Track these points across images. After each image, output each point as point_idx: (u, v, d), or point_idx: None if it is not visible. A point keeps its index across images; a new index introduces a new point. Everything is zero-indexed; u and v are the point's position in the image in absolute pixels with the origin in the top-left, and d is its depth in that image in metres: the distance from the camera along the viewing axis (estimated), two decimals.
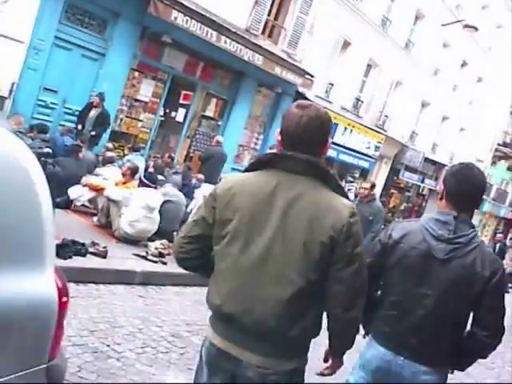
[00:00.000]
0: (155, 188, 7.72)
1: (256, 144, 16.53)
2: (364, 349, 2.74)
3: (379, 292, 2.75)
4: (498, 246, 18.14)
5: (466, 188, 2.61)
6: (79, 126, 10.22)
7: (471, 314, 2.61)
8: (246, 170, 2.21)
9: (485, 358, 2.71)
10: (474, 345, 2.60)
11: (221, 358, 2.12)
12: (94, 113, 10.39)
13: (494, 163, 32.30)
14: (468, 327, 2.64)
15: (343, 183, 20.17)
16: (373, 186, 8.53)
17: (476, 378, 6.90)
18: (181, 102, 13.67)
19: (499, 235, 24.77)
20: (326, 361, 2.33)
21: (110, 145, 11.05)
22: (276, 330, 2.01)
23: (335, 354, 2.27)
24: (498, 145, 31.76)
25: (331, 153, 18.02)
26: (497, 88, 29.22)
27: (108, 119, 10.68)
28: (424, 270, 2.55)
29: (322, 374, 2.30)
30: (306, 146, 2.06)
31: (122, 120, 12.40)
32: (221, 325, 2.14)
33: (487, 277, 2.49)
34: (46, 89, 10.62)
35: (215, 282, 2.17)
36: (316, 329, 2.11)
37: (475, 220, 32.52)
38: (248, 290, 2.05)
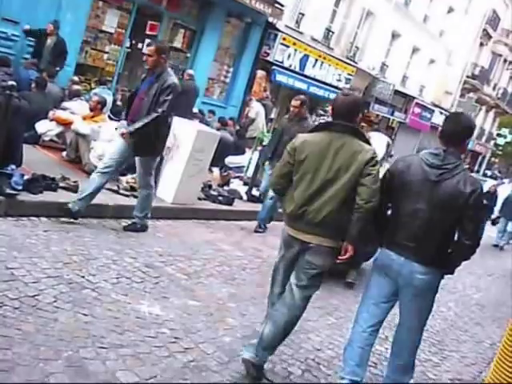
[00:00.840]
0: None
1: (226, 77, 16.29)
2: (377, 254, 3.77)
3: (389, 212, 3.70)
4: None
5: (451, 128, 3.52)
6: (35, 60, 9.86)
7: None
8: (311, 131, 3.70)
9: (468, 259, 3.55)
10: (458, 248, 3.48)
11: (291, 240, 3.69)
12: (49, 42, 9.98)
13: (462, 95, 32.52)
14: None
15: (314, 117, 20.14)
16: (303, 103, 7.48)
17: (440, 301, 7.26)
18: (147, 32, 13.26)
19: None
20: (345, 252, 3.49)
21: (76, 78, 10.76)
22: (326, 221, 3.45)
23: (349, 239, 3.46)
24: (467, 77, 31.88)
25: (302, 85, 17.94)
26: (467, 19, 29.04)
27: (65, 47, 10.23)
28: (420, 190, 3.44)
29: (339, 259, 3.51)
30: (346, 116, 3.55)
31: (87, 52, 12.04)
32: (292, 221, 3.64)
33: (468, 193, 3.31)
34: (5, 19, 10.17)
35: (291, 198, 3.60)
36: (347, 224, 3.43)
37: None
38: (312, 200, 3.49)
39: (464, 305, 7.62)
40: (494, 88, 37.16)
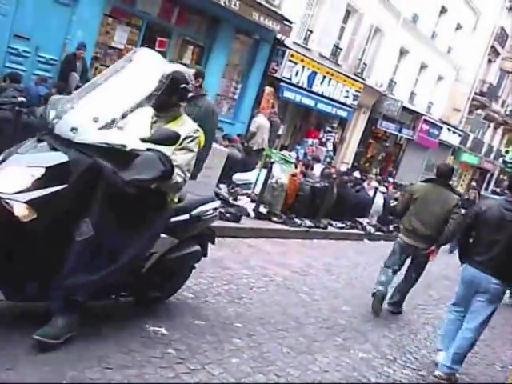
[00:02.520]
0: None
1: (234, 94, 16.35)
2: (462, 270, 5.28)
3: (471, 240, 5.21)
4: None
5: None
6: (45, 76, 9.97)
7: None
8: (423, 182, 6.87)
9: None
10: None
11: (407, 246, 6.42)
12: (78, 65, 10.12)
13: (470, 112, 32.48)
14: None
15: (322, 133, 20.18)
16: (198, 75, 5.43)
17: None
18: (157, 49, 13.31)
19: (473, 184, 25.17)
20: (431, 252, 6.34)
21: None
22: (431, 235, 6.21)
23: (437, 245, 6.27)
24: (475, 94, 31.85)
25: (309, 102, 17.98)
26: (475, 36, 29.10)
27: (87, 66, 10.45)
28: (499, 225, 4.85)
29: (428, 253, 6.37)
30: (446, 177, 6.45)
31: (97, 69, 12.10)
32: (407, 233, 6.36)
33: None
34: (16, 36, 10.28)
35: (408, 220, 6.35)
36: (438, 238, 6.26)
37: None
38: (423, 223, 6.24)
39: None
40: (502, 105, 37.10)
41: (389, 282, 6.50)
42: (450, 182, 6.05)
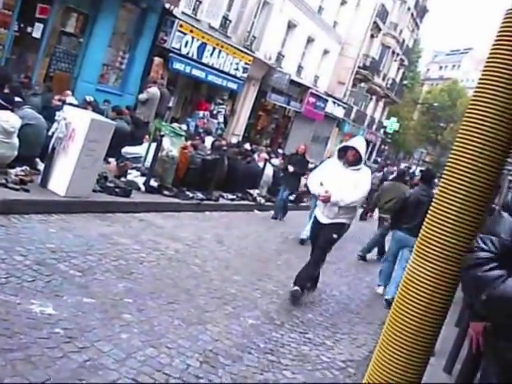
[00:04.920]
0: (12, 111, 7.20)
1: (121, 63, 15.87)
2: (392, 234, 8.14)
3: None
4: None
5: None
6: None
7: None
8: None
9: None
10: None
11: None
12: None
13: (354, 85, 33.84)
14: None
15: (213, 106, 20.18)
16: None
17: (332, 284, 7.60)
18: (37, 16, 12.60)
19: None
20: None
21: None
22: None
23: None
24: (359, 68, 33.20)
25: (200, 73, 17.88)
26: (359, 12, 30.22)
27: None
28: (418, 205, 7.03)
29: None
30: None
31: None
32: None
33: None
34: None
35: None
36: None
37: (338, 140, 34.35)
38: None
39: (356, 288, 8.01)
40: (383, 78, 39.01)
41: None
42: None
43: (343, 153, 6.37)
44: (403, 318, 2.47)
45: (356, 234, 13.90)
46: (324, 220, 6.38)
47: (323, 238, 6.38)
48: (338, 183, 6.14)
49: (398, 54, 40.38)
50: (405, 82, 49.31)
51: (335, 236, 6.38)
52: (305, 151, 11.52)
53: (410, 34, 43.91)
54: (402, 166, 38.40)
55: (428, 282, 2.40)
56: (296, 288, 6.15)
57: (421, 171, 16.34)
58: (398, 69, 43.32)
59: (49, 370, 3.25)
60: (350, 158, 6.27)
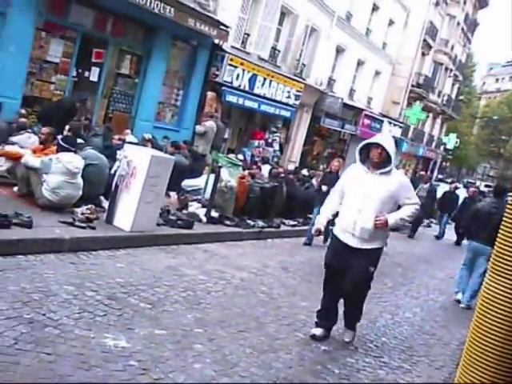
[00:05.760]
0: (75, 152, 7.46)
1: (176, 100, 16.24)
2: (468, 244, 8.62)
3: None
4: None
5: None
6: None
7: None
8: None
9: None
10: None
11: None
12: None
13: (409, 104, 33.37)
14: None
15: (267, 134, 20.30)
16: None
17: (405, 307, 7.35)
18: (93, 60, 13.13)
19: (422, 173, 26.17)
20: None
21: (23, 111, 10.56)
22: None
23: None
24: (412, 86, 32.76)
25: (252, 104, 18.06)
26: (407, 31, 29.98)
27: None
28: (490, 216, 7.55)
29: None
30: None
31: (33, 84, 11.80)
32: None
33: None
34: None
35: None
36: None
37: (396, 160, 33.80)
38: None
39: (429, 309, 7.73)
40: (438, 95, 38.31)
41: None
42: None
43: (365, 154, 5.06)
44: (486, 330, 2.39)
45: (423, 253, 13.59)
46: (355, 243, 4.98)
47: (357, 273, 4.99)
48: (366, 196, 4.88)
49: (451, 70, 39.63)
50: (461, 97, 48.23)
51: (372, 269, 5.08)
52: (339, 168, 10.58)
53: (462, 48, 43.09)
54: (465, 181, 37.27)
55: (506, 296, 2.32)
56: (347, 339, 5.33)
57: (486, 186, 16.35)
58: (453, 84, 42.48)
59: None
60: (375, 158, 4.92)
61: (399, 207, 5.10)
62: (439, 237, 17.01)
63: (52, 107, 10.08)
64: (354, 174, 5.12)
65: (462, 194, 17.76)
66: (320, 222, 5.27)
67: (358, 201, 4.92)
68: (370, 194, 4.87)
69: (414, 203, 5.01)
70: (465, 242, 10.25)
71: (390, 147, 4.91)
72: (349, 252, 4.99)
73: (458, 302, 8.43)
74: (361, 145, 5.12)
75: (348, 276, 5.00)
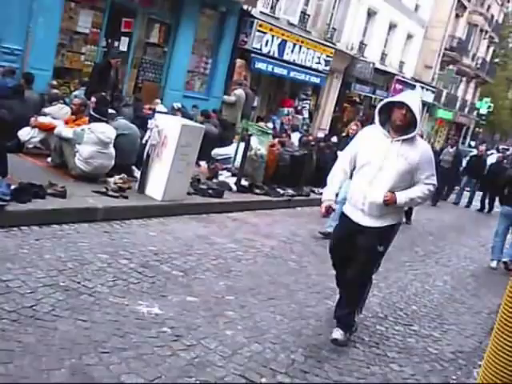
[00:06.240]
0: (106, 122, 7.54)
1: (205, 69, 16.19)
2: (501, 209, 8.82)
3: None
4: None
5: None
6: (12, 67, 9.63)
7: None
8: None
9: None
10: None
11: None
12: (112, 74, 9.75)
13: (442, 68, 32.57)
14: None
15: (297, 102, 20.12)
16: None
17: (436, 275, 7.33)
18: (122, 30, 13.13)
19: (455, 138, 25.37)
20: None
21: (55, 82, 10.68)
22: None
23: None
24: (446, 49, 31.92)
25: (282, 71, 17.89)
26: None
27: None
28: None
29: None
30: None
31: (63, 55, 11.90)
32: None
33: None
34: None
35: None
36: None
37: (429, 127, 33.20)
38: None
39: (460, 277, 7.68)
40: (472, 58, 37.26)
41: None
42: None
43: (386, 115, 4.18)
44: None
45: (454, 221, 13.44)
46: (365, 221, 4.23)
47: (364, 252, 4.22)
48: (381, 166, 4.09)
49: (486, 32, 38.41)
50: (496, 60, 46.79)
51: (381, 249, 4.25)
52: (356, 133, 8.27)
53: (500, 8, 41.59)
54: (500, 147, 36.51)
55: None
56: (336, 336, 4.28)
57: None
58: (488, 46, 41.21)
59: (160, 368, 3.35)
60: (398, 120, 4.05)
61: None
62: (467, 205, 15.97)
63: (92, 75, 10.12)
64: (371, 138, 4.25)
65: (491, 159, 17.26)
66: (327, 197, 4.38)
67: (371, 170, 4.13)
68: (386, 163, 4.08)
69: (430, 183, 4.17)
70: (496, 208, 10.15)
71: (417, 108, 4.00)
72: (358, 233, 4.24)
73: (494, 269, 8.53)
74: (382, 103, 4.25)
75: (352, 254, 4.30)
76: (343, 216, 4.42)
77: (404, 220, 9.58)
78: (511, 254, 8.71)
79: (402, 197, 4.12)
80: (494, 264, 8.62)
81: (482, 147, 18.12)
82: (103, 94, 8.24)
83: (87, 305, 3.92)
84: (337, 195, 4.60)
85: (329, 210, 4.33)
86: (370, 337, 4.69)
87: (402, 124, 4.04)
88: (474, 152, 18.57)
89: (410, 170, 4.10)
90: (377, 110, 4.19)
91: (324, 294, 5.45)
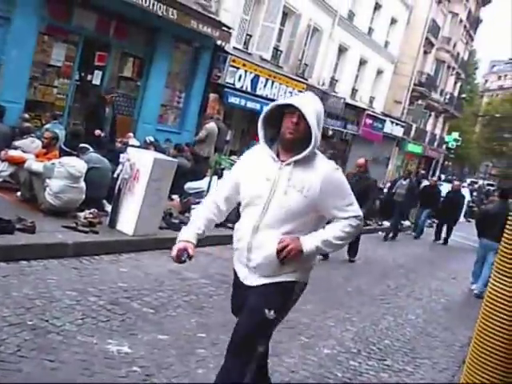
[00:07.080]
0: (77, 156, 7.48)
1: (179, 102, 16.26)
2: (479, 241, 9.93)
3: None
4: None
5: None
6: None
7: None
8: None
9: None
10: None
11: None
12: (108, 110, 9.88)
13: (411, 103, 33.32)
14: None
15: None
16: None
17: (408, 308, 7.35)
18: (96, 63, 13.16)
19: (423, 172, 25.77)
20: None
21: (27, 115, 10.59)
22: None
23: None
24: (415, 85, 32.71)
25: (254, 105, 18.04)
26: (409, 29, 29.94)
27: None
28: (497, 217, 8.41)
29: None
30: None
31: (36, 88, 11.84)
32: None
33: None
34: None
35: None
36: None
37: (398, 160, 33.74)
38: None
39: (432, 310, 7.72)
40: (441, 94, 38.25)
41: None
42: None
43: (274, 129, 2.97)
44: (492, 328, 2.47)
45: (427, 255, 13.58)
46: (250, 279, 3.02)
47: (247, 315, 3.00)
48: (267, 203, 2.82)
49: (453, 68, 39.59)
50: (463, 96, 48.14)
51: (271, 314, 2.95)
52: (365, 168, 9.90)
53: (465, 46, 43.02)
54: (468, 180, 37.20)
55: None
56: None
57: (488, 184, 16.29)
58: (455, 83, 42.41)
59: None
60: (288, 132, 2.84)
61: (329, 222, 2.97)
62: (417, 236, 15.91)
63: (87, 114, 10.19)
64: (254, 164, 3.00)
65: (445, 189, 17.58)
66: (183, 237, 3.09)
67: (254, 210, 2.88)
68: (273, 199, 2.82)
69: (350, 216, 2.85)
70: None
71: (312, 115, 2.80)
72: (245, 291, 3.04)
73: (475, 293, 9.37)
74: (267, 109, 2.99)
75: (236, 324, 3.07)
76: (234, 275, 3.20)
77: (347, 257, 9.44)
78: (481, 287, 9.10)
79: (308, 242, 2.83)
80: (473, 287, 9.66)
81: (457, 182, 18.57)
82: (79, 127, 8.23)
83: (55, 344, 3.82)
84: None
85: (182, 254, 3.00)
86: (344, 372, 4.66)
87: (292, 137, 2.81)
88: (426, 182, 18.90)
89: (309, 205, 2.81)
90: (260, 121, 2.97)
91: (297, 330, 5.41)
